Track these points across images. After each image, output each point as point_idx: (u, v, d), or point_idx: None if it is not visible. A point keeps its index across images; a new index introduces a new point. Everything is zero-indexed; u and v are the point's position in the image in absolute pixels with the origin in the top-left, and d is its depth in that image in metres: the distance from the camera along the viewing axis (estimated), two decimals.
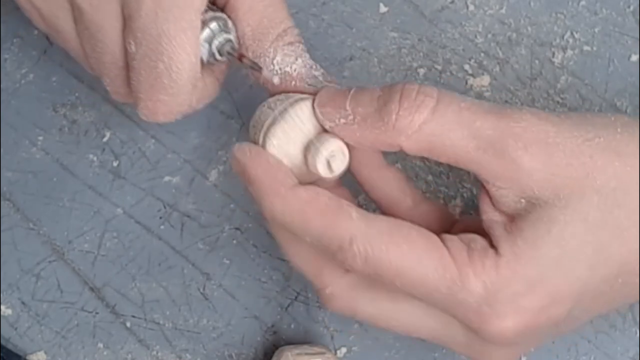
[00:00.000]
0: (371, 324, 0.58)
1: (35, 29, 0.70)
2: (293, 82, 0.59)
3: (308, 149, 0.56)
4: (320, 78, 0.59)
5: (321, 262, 0.57)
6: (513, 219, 0.54)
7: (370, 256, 0.54)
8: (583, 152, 0.54)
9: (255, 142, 0.57)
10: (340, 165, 0.56)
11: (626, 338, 0.65)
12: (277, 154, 0.56)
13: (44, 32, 0.63)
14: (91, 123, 0.70)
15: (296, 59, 0.59)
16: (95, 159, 0.70)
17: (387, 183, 0.60)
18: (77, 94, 0.70)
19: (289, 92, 0.59)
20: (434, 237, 0.55)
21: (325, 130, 0.57)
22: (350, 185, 0.61)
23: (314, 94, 0.58)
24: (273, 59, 0.59)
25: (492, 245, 0.54)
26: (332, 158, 0.56)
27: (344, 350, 0.66)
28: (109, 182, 0.69)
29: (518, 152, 0.53)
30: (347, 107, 0.56)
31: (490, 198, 0.55)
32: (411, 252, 0.54)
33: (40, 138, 0.70)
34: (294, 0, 0.69)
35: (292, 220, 0.55)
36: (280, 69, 0.59)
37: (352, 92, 0.56)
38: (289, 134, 0.56)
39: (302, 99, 0.57)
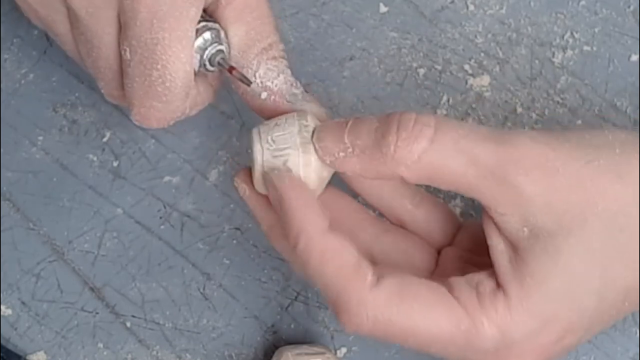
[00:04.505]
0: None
1: (35, 29, 0.70)
2: (273, 97, 0.59)
3: None
4: (300, 96, 0.59)
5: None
6: (517, 249, 0.54)
7: (380, 320, 0.53)
8: (583, 176, 0.53)
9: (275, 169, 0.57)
10: None
11: (626, 338, 0.65)
12: (316, 174, 0.57)
13: (43, 30, 0.63)
14: (91, 123, 0.70)
15: (278, 75, 0.59)
16: (95, 159, 0.70)
17: (382, 189, 0.60)
18: (77, 94, 0.70)
19: (270, 107, 0.59)
20: (442, 289, 0.54)
21: None
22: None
23: (295, 111, 0.58)
24: (256, 71, 0.59)
25: (499, 284, 0.54)
26: None
27: (344, 350, 0.66)
28: (109, 182, 0.69)
29: (519, 179, 0.53)
30: (346, 140, 0.55)
31: (494, 224, 0.55)
32: (422, 310, 0.53)
33: (40, 138, 0.70)
34: (294, 0, 0.69)
35: (308, 260, 0.54)
36: (262, 82, 0.59)
37: (349, 124, 0.56)
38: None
39: (299, 117, 0.58)
